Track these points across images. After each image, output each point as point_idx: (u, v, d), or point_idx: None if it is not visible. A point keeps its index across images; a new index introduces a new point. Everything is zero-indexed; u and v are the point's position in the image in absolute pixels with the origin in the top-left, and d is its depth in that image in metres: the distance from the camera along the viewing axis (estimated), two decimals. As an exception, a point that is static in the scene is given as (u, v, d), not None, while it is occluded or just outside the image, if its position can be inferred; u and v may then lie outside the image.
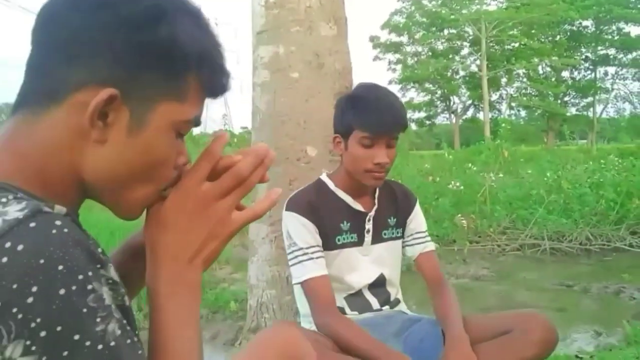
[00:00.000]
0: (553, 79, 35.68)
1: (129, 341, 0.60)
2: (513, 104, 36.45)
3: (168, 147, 0.70)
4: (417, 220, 1.96)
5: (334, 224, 1.80)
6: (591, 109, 37.49)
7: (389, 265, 1.90)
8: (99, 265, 0.58)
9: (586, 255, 5.70)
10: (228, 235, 0.73)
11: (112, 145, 0.67)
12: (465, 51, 36.63)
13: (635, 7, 32.79)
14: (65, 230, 0.56)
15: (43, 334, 0.53)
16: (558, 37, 35.25)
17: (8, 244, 0.53)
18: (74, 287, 0.54)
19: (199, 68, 0.69)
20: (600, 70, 37.22)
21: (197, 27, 0.70)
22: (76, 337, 0.54)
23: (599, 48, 36.02)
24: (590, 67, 37.15)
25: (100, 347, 0.56)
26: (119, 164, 0.68)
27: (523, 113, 39.15)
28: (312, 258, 1.73)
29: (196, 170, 0.72)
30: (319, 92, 2.69)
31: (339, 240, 1.81)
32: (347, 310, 1.82)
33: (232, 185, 0.72)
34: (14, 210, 0.56)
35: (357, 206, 1.83)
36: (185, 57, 0.68)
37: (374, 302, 1.86)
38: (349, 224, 1.82)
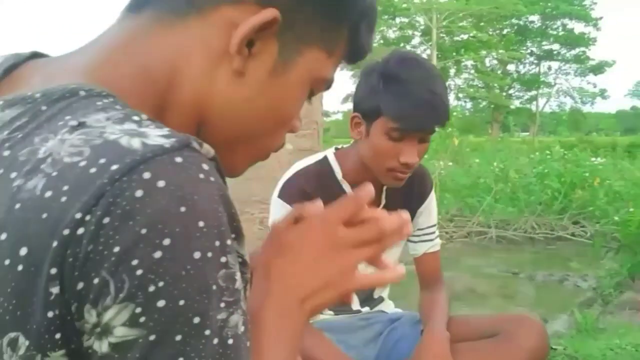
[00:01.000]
0: (499, 72, 36.50)
1: (248, 344, 0.45)
2: (460, 95, 37.18)
3: (299, 102, 0.59)
4: (429, 211, 1.66)
5: None
6: (534, 103, 38.65)
7: None
8: (234, 235, 0.44)
9: (531, 243, 5.82)
10: (345, 290, 0.60)
11: (249, 83, 0.54)
12: (416, 40, 37.01)
13: (579, 4, 33.99)
14: (212, 179, 0.43)
15: (161, 303, 0.39)
16: (506, 30, 36.07)
17: (147, 175, 0.40)
18: (209, 254, 0.41)
19: (359, 20, 0.59)
20: (545, 64, 38.36)
21: None
22: (196, 320, 0.40)
23: (544, 43, 37.06)
24: (535, 61, 38.20)
25: (215, 341, 0.41)
26: (248, 107, 0.55)
27: (469, 104, 40.01)
28: None
29: (340, 209, 0.60)
30: None
31: None
32: None
33: (372, 238, 0.60)
34: (156, 135, 0.42)
35: None
36: (353, 2, 0.57)
37: (354, 301, 1.62)
38: None
